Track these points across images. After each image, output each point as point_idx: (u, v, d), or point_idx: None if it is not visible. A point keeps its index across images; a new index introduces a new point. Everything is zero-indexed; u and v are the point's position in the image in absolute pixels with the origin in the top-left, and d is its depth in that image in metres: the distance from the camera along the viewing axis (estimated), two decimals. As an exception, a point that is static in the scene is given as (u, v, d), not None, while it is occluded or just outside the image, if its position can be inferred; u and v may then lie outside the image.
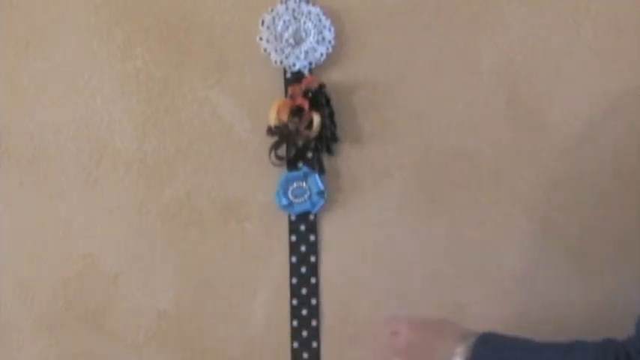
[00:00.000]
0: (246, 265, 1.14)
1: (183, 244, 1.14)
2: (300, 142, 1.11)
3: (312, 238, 1.14)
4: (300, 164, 1.13)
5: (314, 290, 1.14)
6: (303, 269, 1.14)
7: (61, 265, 1.13)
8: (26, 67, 1.12)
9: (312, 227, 1.13)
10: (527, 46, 1.15)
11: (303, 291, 1.14)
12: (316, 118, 1.10)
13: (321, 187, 1.12)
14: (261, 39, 1.11)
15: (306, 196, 1.12)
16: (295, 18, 1.11)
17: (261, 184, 1.13)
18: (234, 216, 1.14)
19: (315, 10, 1.11)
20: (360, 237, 1.15)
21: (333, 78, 1.13)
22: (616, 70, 1.16)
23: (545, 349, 0.90)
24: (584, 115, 1.17)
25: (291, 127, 1.10)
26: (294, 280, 1.14)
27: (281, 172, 1.13)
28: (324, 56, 1.12)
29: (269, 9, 1.11)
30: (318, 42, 1.11)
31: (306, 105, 1.09)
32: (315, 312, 1.15)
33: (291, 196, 1.12)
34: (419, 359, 1.01)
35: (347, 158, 1.14)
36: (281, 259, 1.15)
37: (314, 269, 1.14)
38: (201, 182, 1.14)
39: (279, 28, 1.11)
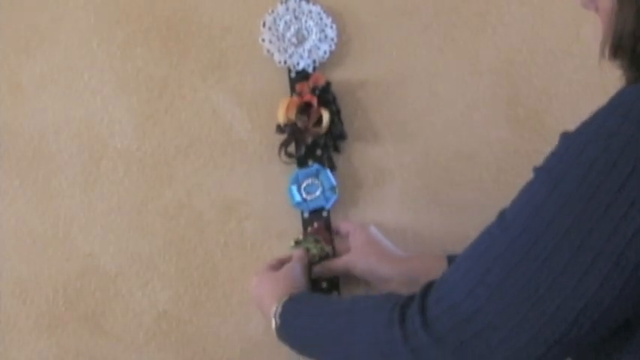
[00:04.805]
0: (246, 265, 1.14)
1: (183, 244, 1.14)
2: (309, 140, 1.11)
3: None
4: (310, 162, 1.12)
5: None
6: None
7: (61, 265, 1.13)
8: (26, 67, 1.12)
9: (327, 223, 1.13)
10: (527, 46, 1.15)
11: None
12: (325, 115, 1.10)
13: (334, 182, 1.11)
14: (263, 40, 1.10)
15: (318, 192, 1.12)
16: (296, 17, 1.11)
17: (261, 183, 1.13)
18: (234, 216, 1.14)
19: (315, 8, 1.11)
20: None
21: (336, 76, 1.13)
22: (616, 70, 1.16)
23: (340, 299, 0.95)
24: (584, 115, 1.16)
25: (300, 124, 1.10)
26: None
27: (283, 171, 1.13)
28: (328, 54, 1.12)
29: (269, 10, 1.11)
30: (320, 40, 1.11)
31: (314, 102, 1.09)
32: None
33: (303, 193, 1.12)
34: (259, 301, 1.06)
35: (350, 156, 1.14)
36: (281, 258, 1.15)
37: None
38: (201, 182, 1.14)
39: (280, 29, 1.11)
